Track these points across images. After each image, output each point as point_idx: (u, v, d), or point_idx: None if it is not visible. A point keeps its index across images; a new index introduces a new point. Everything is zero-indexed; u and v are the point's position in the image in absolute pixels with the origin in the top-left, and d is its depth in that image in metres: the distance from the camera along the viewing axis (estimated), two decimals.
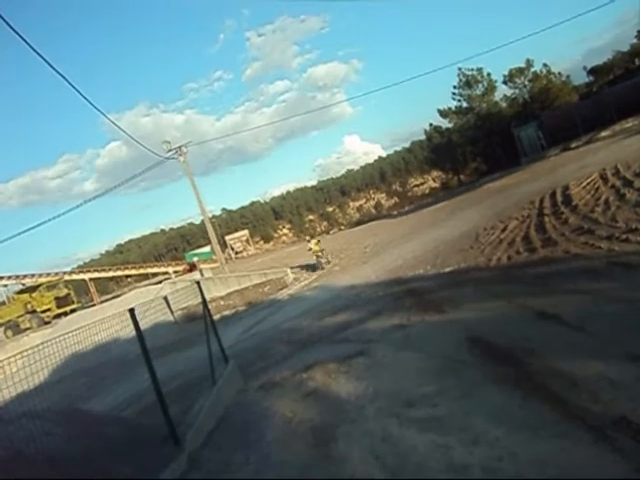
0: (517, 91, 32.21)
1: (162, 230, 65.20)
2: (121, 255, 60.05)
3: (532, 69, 31.23)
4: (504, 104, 32.73)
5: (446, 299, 6.85)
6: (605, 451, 2.50)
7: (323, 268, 16.59)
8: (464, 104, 32.69)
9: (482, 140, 32.25)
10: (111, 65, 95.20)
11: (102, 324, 4.26)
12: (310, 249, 17.31)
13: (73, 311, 25.46)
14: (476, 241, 10.63)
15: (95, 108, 13.95)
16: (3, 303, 30.03)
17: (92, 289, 34.26)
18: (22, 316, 25.46)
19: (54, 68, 9.02)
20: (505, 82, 32.22)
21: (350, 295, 10.19)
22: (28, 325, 24.56)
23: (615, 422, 2.69)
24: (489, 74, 31.79)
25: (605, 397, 2.99)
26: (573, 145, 23.42)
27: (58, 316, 25.54)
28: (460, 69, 31.73)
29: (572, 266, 6.40)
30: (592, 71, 35.23)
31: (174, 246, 57.37)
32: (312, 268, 17.45)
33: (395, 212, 40.04)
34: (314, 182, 65.65)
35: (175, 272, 34.05)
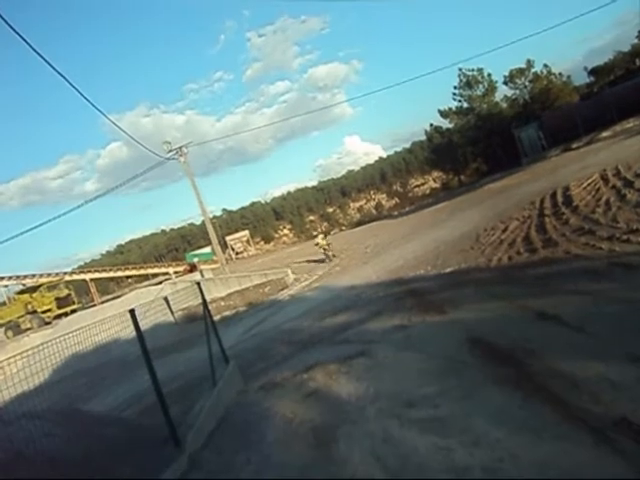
0: (518, 91, 32.28)
1: (163, 230, 65.29)
2: (122, 255, 60.08)
3: (533, 69, 31.31)
4: (505, 104, 32.78)
5: (447, 300, 6.84)
6: (606, 453, 2.50)
7: (331, 260, 18.14)
8: (465, 104, 32.74)
9: (483, 140, 32.27)
10: (111, 65, 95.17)
11: (102, 325, 4.26)
12: (317, 244, 18.93)
13: (74, 311, 25.48)
14: (477, 242, 10.62)
15: (96, 108, 13.96)
16: (4, 303, 30.04)
17: (93, 289, 34.30)
18: (23, 316, 25.50)
19: (54, 68, 9.05)
20: (506, 82, 32.29)
21: (351, 295, 10.18)
22: (29, 325, 24.59)
23: (616, 423, 2.69)
24: (490, 74, 31.90)
25: (606, 398, 2.99)
26: (574, 146, 23.40)
27: (59, 316, 25.58)
28: (461, 69, 31.85)
29: (573, 267, 6.39)
30: (593, 71, 35.23)
31: (175, 247, 57.37)
32: (319, 262, 18.90)
33: (396, 212, 40.05)
34: (315, 183, 65.68)
35: (176, 273, 34.06)
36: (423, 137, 41.43)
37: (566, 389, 3.25)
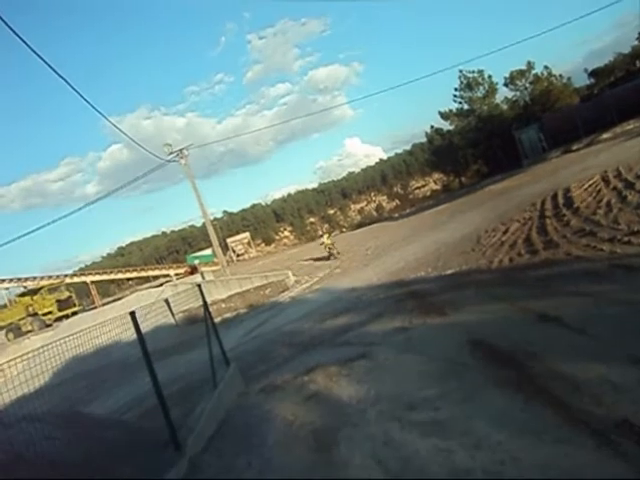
0: (518, 93, 32.30)
1: (163, 233, 65.31)
2: (122, 258, 60.09)
3: (533, 71, 31.34)
4: (505, 106, 32.79)
5: (448, 301, 6.83)
6: (608, 455, 2.49)
7: (336, 257, 19.20)
8: (465, 106, 32.77)
9: (483, 142, 32.27)
10: (112, 68, 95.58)
11: (103, 327, 4.26)
12: (322, 243, 20.56)
13: (74, 314, 25.46)
14: (477, 243, 10.62)
15: (96, 111, 14.10)
16: (5, 306, 30.06)
17: (93, 292, 34.30)
18: (24, 319, 25.48)
19: (56, 71, 9.07)
20: (506, 84, 32.32)
21: (351, 297, 10.18)
22: (30, 328, 24.58)
23: (618, 425, 2.68)
24: (490, 76, 31.91)
25: (607, 400, 2.98)
26: (574, 147, 23.39)
27: (59, 319, 25.57)
28: (461, 71, 31.86)
29: (574, 268, 6.39)
30: (593, 73, 35.26)
31: (175, 249, 57.40)
32: (324, 259, 20.09)
33: (396, 214, 40.02)
34: (315, 184, 65.75)
35: (176, 275, 34.04)
36: (424, 139, 41.42)
37: (567, 391, 3.24)
